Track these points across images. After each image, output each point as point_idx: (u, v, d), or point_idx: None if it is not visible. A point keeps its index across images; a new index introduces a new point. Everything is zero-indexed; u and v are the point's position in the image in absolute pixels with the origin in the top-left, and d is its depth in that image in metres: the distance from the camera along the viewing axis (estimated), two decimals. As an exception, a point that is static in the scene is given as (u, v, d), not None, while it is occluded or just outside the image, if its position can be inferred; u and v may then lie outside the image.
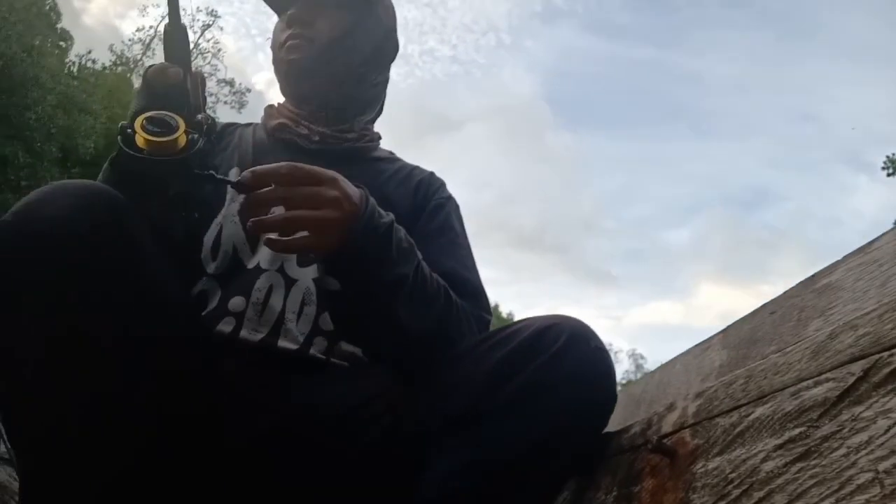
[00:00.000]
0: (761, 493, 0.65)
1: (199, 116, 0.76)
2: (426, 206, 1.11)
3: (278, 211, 0.74)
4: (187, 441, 0.80)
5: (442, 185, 1.19)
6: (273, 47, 1.12)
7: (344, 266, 0.81)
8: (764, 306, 0.98)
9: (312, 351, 0.93)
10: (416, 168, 1.21)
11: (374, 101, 1.20)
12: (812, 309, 0.84)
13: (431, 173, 1.21)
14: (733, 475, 0.71)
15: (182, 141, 0.71)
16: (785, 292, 0.94)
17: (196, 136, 0.73)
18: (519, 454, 0.77)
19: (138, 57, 23.81)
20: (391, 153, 1.22)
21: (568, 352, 0.78)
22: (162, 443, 0.76)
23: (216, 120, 0.83)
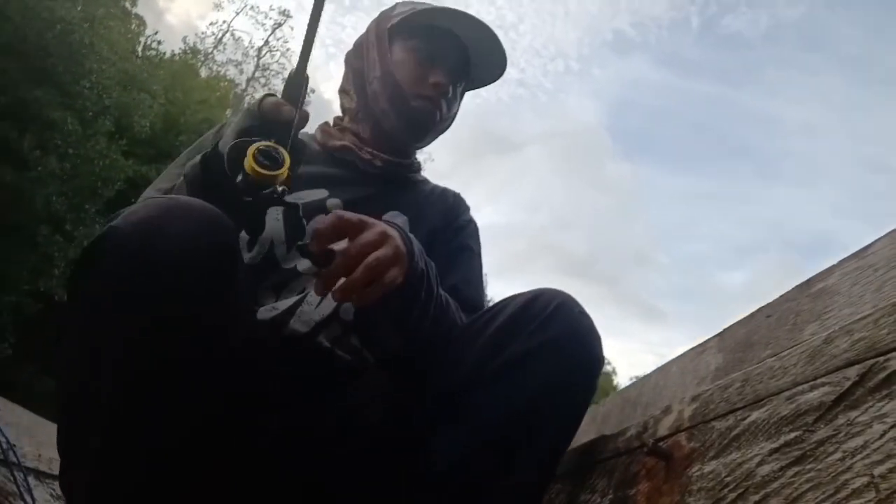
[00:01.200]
0: (757, 497, 0.66)
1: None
2: (452, 226, 1.19)
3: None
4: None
5: (467, 207, 1.28)
6: (404, 83, 1.12)
7: (413, 288, 0.84)
8: (760, 310, 0.98)
9: (320, 338, 0.94)
10: (447, 190, 1.28)
11: None
12: (808, 313, 0.84)
13: (459, 195, 1.29)
14: (729, 479, 0.71)
15: (283, 177, 0.74)
16: (781, 296, 0.94)
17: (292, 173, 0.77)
18: (509, 421, 0.79)
19: (209, 50, 24.08)
20: (424, 177, 1.29)
21: (554, 319, 0.81)
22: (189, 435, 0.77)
23: (306, 146, 0.89)
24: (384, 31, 1.16)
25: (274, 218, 1.00)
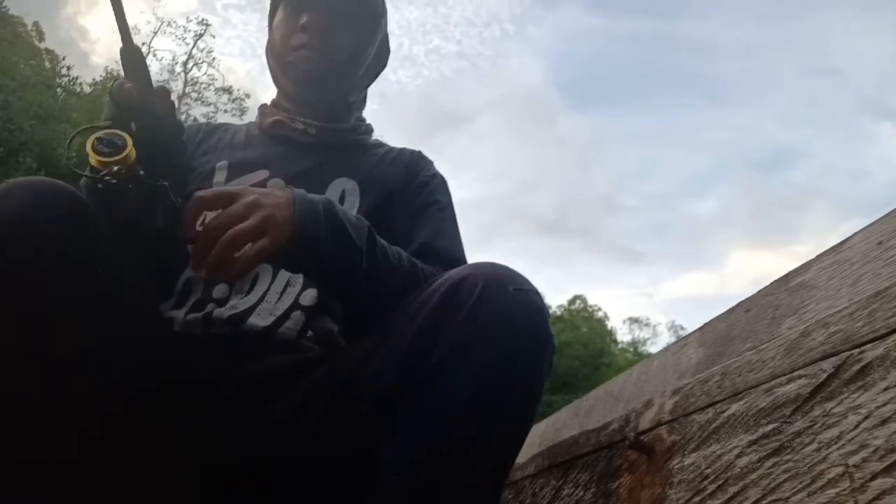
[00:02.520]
0: (736, 488, 0.67)
1: (167, 124, 0.79)
2: (413, 183, 1.13)
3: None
4: (139, 426, 0.78)
5: (429, 163, 1.21)
6: (278, 45, 1.13)
7: (302, 253, 0.80)
8: (739, 304, 0.99)
9: (283, 328, 0.93)
10: (405, 149, 1.22)
11: (362, 99, 1.25)
12: (786, 307, 0.85)
13: (419, 152, 1.23)
14: (709, 471, 0.72)
15: (131, 157, 0.74)
16: (760, 290, 0.95)
17: (150, 150, 0.77)
18: (450, 428, 0.72)
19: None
20: (379, 140, 1.25)
21: (483, 304, 0.73)
22: (117, 429, 0.74)
23: (182, 124, 0.86)
24: (272, 4, 1.18)
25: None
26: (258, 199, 0.77)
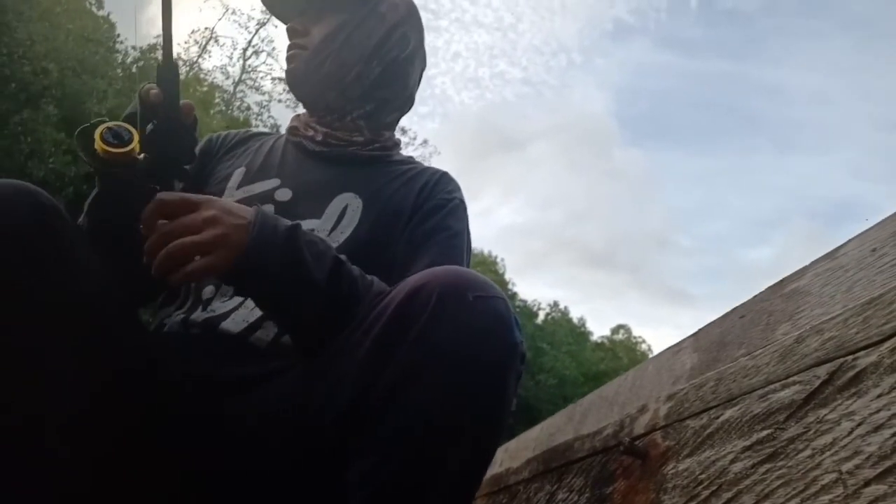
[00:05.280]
0: (730, 494, 0.67)
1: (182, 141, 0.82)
2: (426, 206, 1.06)
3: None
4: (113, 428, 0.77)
5: (449, 185, 1.12)
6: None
7: (247, 280, 0.78)
8: (734, 310, 1.00)
9: (254, 337, 0.90)
10: (428, 169, 1.15)
11: (388, 101, 1.15)
12: (780, 313, 0.86)
13: (443, 174, 1.14)
14: (703, 476, 0.72)
15: (133, 153, 0.77)
16: (754, 296, 0.96)
17: (160, 153, 0.80)
18: (413, 453, 0.68)
19: (194, 59, 23.87)
20: (409, 158, 1.18)
21: (439, 317, 0.67)
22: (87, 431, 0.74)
23: (197, 139, 0.88)
24: None
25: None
26: (217, 216, 0.75)
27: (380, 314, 0.72)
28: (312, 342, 0.83)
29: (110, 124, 0.78)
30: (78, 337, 0.72)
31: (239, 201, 0.98)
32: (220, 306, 0.93)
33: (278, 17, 1.17)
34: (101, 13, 17.00)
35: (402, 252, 0.99)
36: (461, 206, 1.09)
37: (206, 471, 0.82)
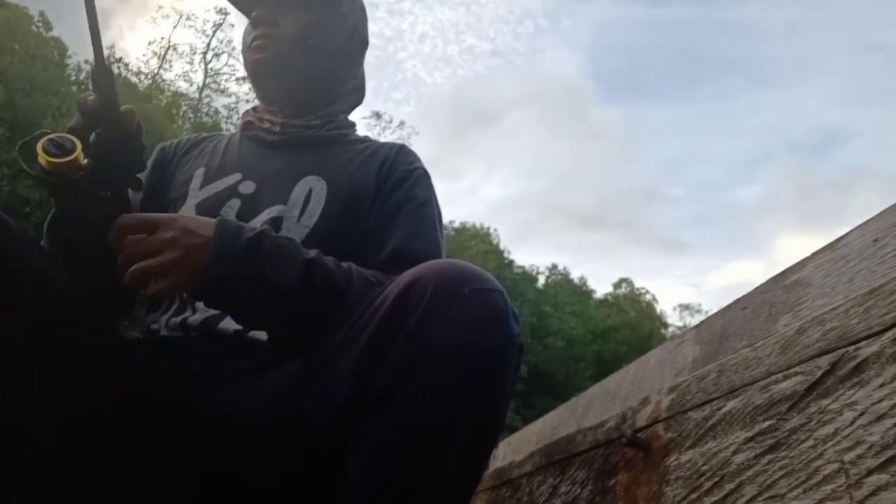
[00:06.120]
0: (732, 485, 0.67)
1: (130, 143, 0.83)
2: (389, 180, 1.07)
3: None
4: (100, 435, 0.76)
5: (409, 157, 1.13)
6: (243, 50, 1.13)
7: (211, 296, 0.79)
8: (736, 302, 1.00)
9: (252, 333, 0.91)
10: (385, 144, 1.16)
11: (345, 96, 1.19)
12: (782, 304, 0.86)
13: (400, 146, 1.15)
14: (705, 468, 0.72)
15: (79, 161, 0.77)
16: (756, 288, 0.96)
17: (105, 160, 0.80)
18: (406, 453, 0.67)
19: (155, 70, 23.91)
20: (366, 137, 1.19)
21: (433, 313, 0.67)
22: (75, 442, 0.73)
23: (143, 146, 0.88)
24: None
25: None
26: (175, 237, 0.76)
27: (375, 310, 0.71)
28: (300, 344, 0.82)
29: (52, 136, 0.78)
30: (36, 339, 0.71)
31: (204, 200, 1.01)
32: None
33: (239, 9, 1.15)
34: (49, 34, 17.01)
35: (374, 226, 0.99)
36: (425, 175, 1.10)
37: (204, 471, 0.82)
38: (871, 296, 0.56)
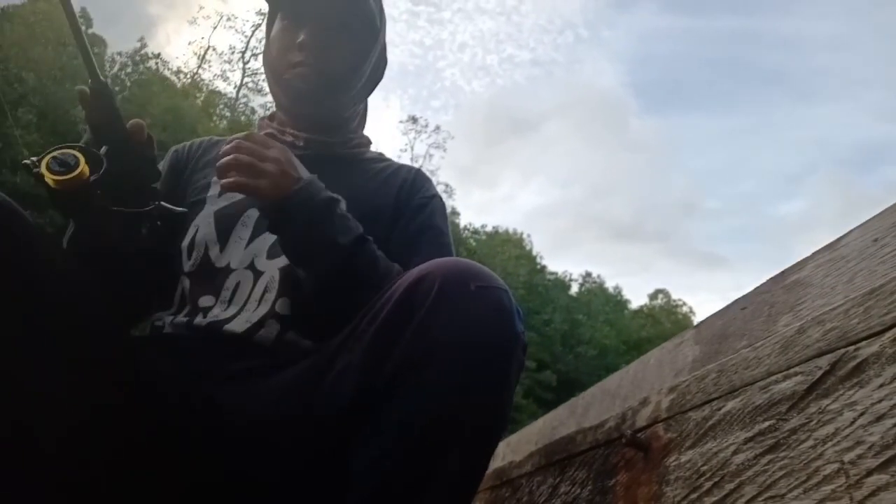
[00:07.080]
0: (732, 485, 0.67)
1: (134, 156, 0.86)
2: (409, 205, 1.11)
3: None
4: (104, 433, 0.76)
5: (426, 183, 1.17)
6: (275, 59, 1.12)
7: (282, 215, 0.87)
8: (735, 302, 1.00)
9: (258, 336, 0.92)
10: (403, 167, 1.20)
11: (366, 110, 1.23)
12: (782, 304, 0.86)
13: (417, 171, 1.19)
14: (705, 468, 0.72)
15: (84, 175, 0.79)
16: (756, 288, 0.96)
17: (108, 173, 0.81)
18: (418, 441, 0.68)
19: (194, 70, 24.07)
20: (381, 155, 1.22)
21: (439, 308, 0.68)
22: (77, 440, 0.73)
23: (155, 157, 0.93)
24: (270, 14, 1.16)
25: (206, 222, 1.03)
26: (280, 158, 0.88)
27: (384, 304, 0.73)
28: (323, 309, 0.90)
29: (55, 153, 0.79)
30: (53, 335, 0.71)
31: (223, 208, 1.04)
32: (221, 313, 0.95)
33: (276, 7, 1.14)
34: (90, 31, 17.17)
35: (397, 244, 1.03)
36: (442, 205, 1.17)
37: (212, 470, 0.82)
38: (871, 296, 0.56)
